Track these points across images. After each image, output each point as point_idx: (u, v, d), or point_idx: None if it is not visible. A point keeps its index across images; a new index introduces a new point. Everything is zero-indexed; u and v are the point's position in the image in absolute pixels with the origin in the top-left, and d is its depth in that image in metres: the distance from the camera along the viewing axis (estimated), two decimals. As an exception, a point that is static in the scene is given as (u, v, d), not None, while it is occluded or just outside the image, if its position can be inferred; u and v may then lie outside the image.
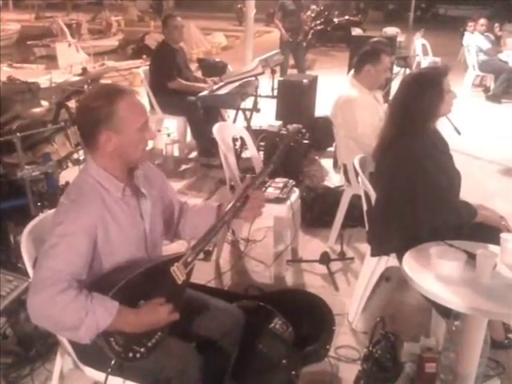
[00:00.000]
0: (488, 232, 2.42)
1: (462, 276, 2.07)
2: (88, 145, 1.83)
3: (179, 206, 2.17)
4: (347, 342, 2.81)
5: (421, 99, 2.48)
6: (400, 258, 2.49)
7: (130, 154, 1.83)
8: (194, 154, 5.69)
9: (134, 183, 1.90)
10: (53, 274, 1.64)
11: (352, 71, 3.77)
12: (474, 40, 8.71)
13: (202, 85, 5.41)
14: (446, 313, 2.28)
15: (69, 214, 1.73)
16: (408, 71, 5.64)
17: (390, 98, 5.46)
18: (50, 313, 1.63)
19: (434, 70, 2.59)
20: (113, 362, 1.73)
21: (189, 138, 5.70)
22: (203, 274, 3.27)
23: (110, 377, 1.80)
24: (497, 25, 9.63)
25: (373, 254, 2.73)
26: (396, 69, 5.93)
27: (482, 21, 8.80)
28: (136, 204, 1.89)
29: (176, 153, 5.54)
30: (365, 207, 2.85)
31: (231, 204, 1.97)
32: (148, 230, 1.92)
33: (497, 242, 2.21)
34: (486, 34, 8.77)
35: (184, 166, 5.40)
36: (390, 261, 2.71)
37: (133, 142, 1.80)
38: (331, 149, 5.48)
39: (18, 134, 3.06)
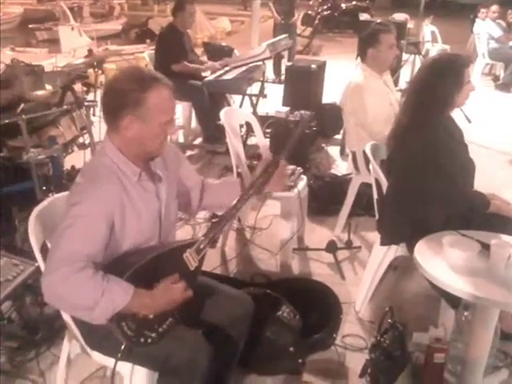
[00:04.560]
0: (500, 222, 2.40)
1: (476, 266, 2.04)
2: (109, 125, 1.79)
3: (198, 182, 2.14)
4: (354, 330, 2.78)
5: (439, 85, 2.43)
6: (410, 248, 2.47)
7: (147, 145, 1.79)
8: (199, 140, 5.64)
9: (152, 167, 1.87)
10: (69, 254, 1.61)
11: (359, 60, 3.72)
12: (485, 27, 8.59)
13: (208, 65, 5.33)
14: (456, 303, 2.26)
15: (87, 194, 1.69)
16: (418, 58, 5.56)
17: (399, 84, 5.46)
18: (65, 292, 1.60)
19: (457, 58, 2.53)
20: (123, 346, 1.72)
21: (194, 123, 5.66)
22: (208, 261, 3.19)
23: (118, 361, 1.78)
24: (510, 11, 9.46)
25: (382, 243, 2.70)
26: (405, 56, 5.85)
27: (494, 7, 8.67)
28: (152, 187, 1.86)
29: (181, 139, 5.49)
30: (375, 195, 2.82)
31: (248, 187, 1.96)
32: (163, 213, 1.89)
33: (510, 232, 2.20)
34: (497, 21, 8.65)
35: (189, 153, 5.35)
36: (399, 250, 2.68)
37: (153, 134, 1.76)
38: (338, 136, 5.43)
39: (23, 116, 3.02)
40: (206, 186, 2.15)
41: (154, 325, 1.74)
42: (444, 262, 2.10)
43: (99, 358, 1.93)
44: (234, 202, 1.93)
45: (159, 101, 1.73)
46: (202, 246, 1.83)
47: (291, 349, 2.38)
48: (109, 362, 1.84)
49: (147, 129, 1.74)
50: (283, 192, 2.69)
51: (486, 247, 2.08)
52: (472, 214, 2.45)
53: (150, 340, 1.73)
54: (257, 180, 1.98)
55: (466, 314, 2.25)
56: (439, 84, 2.44)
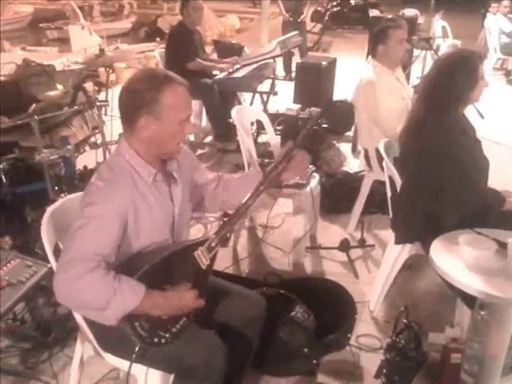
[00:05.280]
0: (516, 220, 2.36)
1: (492, 265, 2.02)
2: (125, 126, 1.78)
3: (212, 180, 2.10)
4: (368, 330, 2.76)
5: (453, 81, 2.40)
6: (425, 246, 2.44)
7: (164, 145, 1.77)
8: (209, 139, 5.63)
9: (167, 169, 1.86)
10: (81, 253, 1.61)
11: (370, 57, 3.70)
12: (497, 22, 8.55)
13: (222, 65, 5.33)
14: (472, 302, 2.23)
15: (100, 195, 1.69)
16: (429, 54, 5.51)
17: (411, 80, 5.40)
18: (77, 291, 1.59)
19: (472, 54, 2.51)
20: (137, 348, 1.70)
21: (204, 121, 5.64)
22: (220, 260, 3.21)
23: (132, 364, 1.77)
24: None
25: (397, 242, 2.67)
26: (416, 51, 5.79)
27: (506, 2, 8.61)
28: (167, 189, 1.85)
29: (191, 137, 5.48)
30: (389, 193, 2.79)
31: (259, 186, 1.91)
32: (177, 215, 1.88)
33: (526, 230, 2.15)
34: (509, 15, 8.58)
35: (200, 151, 5.34)
36: (414, 248, 2.65)
37: (170, 133, 1.75)
38: (349, 133, 5.39)
39: (36, 116, 3.02)
40: (224, 181, 2.11)
41: (167, 325, 1.73)
42: (460, 260, 2.07)
43: (112, 360, 1.93)
44: (248, 195, 1.88)
45: (174, 99, 1.72)
46: (213, 244, 1.81)
47: (305, 349, 2.35)
48: (122, 363, 1.84)
49: (164, 128, 1.73)
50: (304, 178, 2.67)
51: (502, 246, 2.05)
52: (487, 212, 2.42)
53: (163, 340, 1.72)
54: (274, 169, 1.93)
55: (482, 313, 2.21)
56: (453, 80, 2.41)
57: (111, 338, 1.80)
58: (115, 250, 1.69)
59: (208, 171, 2.15)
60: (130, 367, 1.75)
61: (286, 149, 1.96)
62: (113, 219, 1.67)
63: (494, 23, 8.59)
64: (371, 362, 2.49)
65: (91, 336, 1.91)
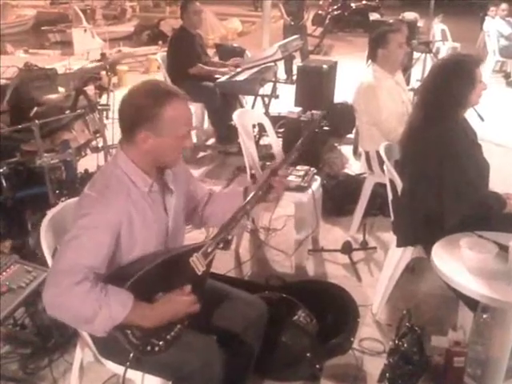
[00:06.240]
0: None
1: (494, 268, 2.02)
2: (125, 137, 1.77)
3: (205, 194, 2.12)
4: (371, 334, 2.75)
5: (452, 86, 2.42)
6: (427, 249, 2.44)
7: (162, 157, 1.77)
8: (211, 141, 5.64)
9: (163, 179, 1.86)
10: (71, 265, 1.61)
11: (370, 61, 3.70)
12: (495, 25, 8.59)
13: (223, 69, 5.33)
14: (474, 305, 2.23)
15: (94, 207, 1.68)
16: (429, 57, 5.51)
17: (411, 83, 5.40)
18: (65, 304, 1.60)
19: (468, 58, 2.53)
20: (131, 355, 1.69)
21: (206, 124, 5.64)
22: (223, 263, 3.22)
23: (130, 370, 1.77)
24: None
25: (398, 245, 2.67)
26: (416, 54, 5.80)
27: (504, 5, 8.66)
28: (161, 199, 1.84)
29: (194, 140, 5.47)
30: (390, 196, 2.78)
31: (253, 193, 1.91)
32: (171, 225, 1.88)
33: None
34: (507, 18, 8.63)
35: (202, 153, 5.35)
36: (416, 251, 2.64)
37: (170, 147, 1.75)
38: (351, 135, 5.39)
39: (37, 120, 3.01)
40: (213, 197, 2.13)
41: (161, 333, 1.71)
42: (461, 263, 2.07)
43: (112, 366, 1.91)
44: (248, 198, 1.89)
45: (175, 115, 1.71)
46: (209, 250, 1.79)
47: (308, 354, 2.34)
48: (121, 370, 1.81)
49: (164, 143, 1.73)
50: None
51: (504, 249, 2.05)
52: (488, 215, 2.41)
53: (157, 348, 1.69)
54: (259, 190, 1.93)
55: (484, 316, 2.21)
56: (450, 86, 2.43)
57: (110, 345, 1.78)
58: (107, 261, 1.69)
59: (202, 185, 2.17)
60: (124, 374, 1.74)
61: (267, 172, 1.95)
62: (106, 231, 1.66)
63: (493, 26, 8.63)
64: (374, 366, 2.48)
65: (91, 342, 1.90)
